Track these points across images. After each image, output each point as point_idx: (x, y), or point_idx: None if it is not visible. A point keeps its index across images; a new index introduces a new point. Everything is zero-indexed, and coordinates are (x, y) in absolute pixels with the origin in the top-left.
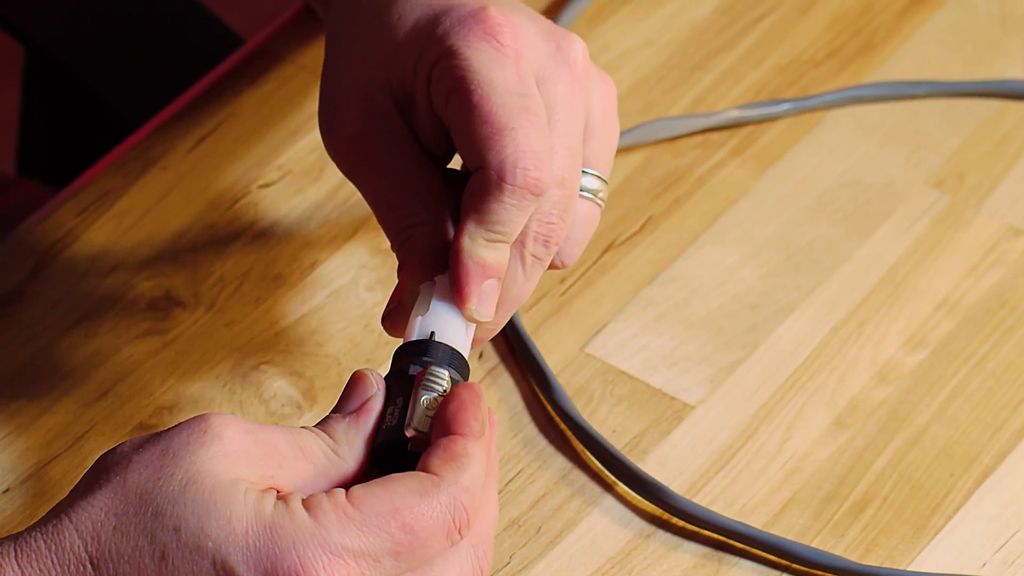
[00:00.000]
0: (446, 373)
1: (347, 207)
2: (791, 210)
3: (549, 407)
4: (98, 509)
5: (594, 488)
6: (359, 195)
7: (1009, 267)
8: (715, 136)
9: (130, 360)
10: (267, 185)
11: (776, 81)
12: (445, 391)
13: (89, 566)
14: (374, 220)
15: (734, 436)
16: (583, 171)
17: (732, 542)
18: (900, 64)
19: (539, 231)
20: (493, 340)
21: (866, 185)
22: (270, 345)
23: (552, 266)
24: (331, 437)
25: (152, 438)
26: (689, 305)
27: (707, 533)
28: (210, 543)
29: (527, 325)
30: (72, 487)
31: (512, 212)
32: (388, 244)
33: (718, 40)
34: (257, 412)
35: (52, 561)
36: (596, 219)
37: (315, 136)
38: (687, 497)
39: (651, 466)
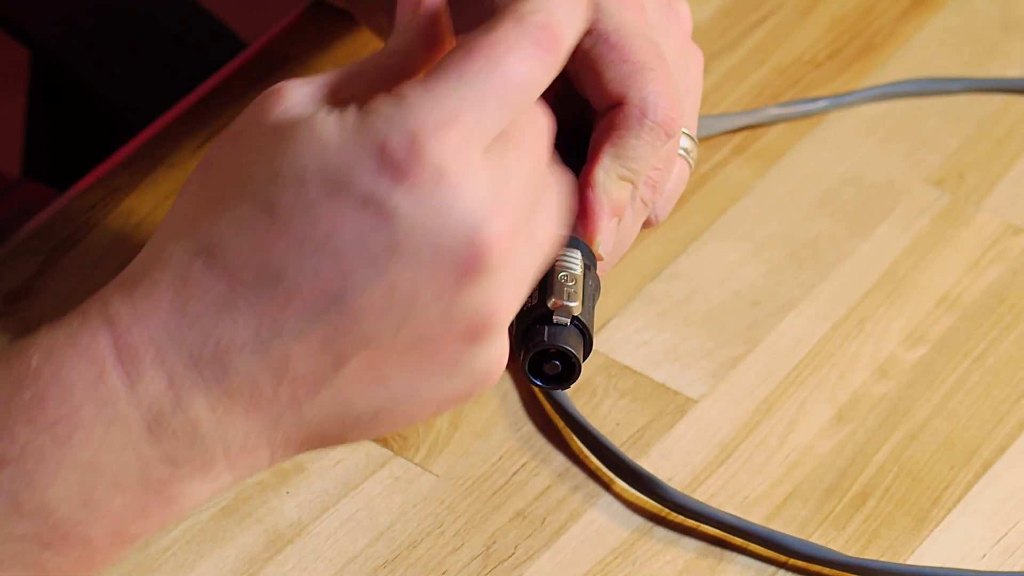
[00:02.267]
0: (578, 253)
1: None
2: (793, 208)
3: (547, 405)
4: (185, 208)
5: (594, 483)
6: None
7: (1009, 264)
8: (719, 135)
9: None
10: None
11: (778, 82)
12: (578, 272)
13: (199, 260)
14: None
15: (736, 430)
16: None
17: (730, 537)
18: (901, 65)
19: (650, 175)
20: None
21: (867, 183)
22: None
23: (646, 223)
24: (391, 50)
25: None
26: (692, 301)
27: (706, 528)
28: (310, 170)
29: None
30: None
31: (647, 149)
32: None
33: (720, 42)
34: None
35: (159, 273)
36: (686, 179)
37: None
38: (689, 491)
39: (654, 460)
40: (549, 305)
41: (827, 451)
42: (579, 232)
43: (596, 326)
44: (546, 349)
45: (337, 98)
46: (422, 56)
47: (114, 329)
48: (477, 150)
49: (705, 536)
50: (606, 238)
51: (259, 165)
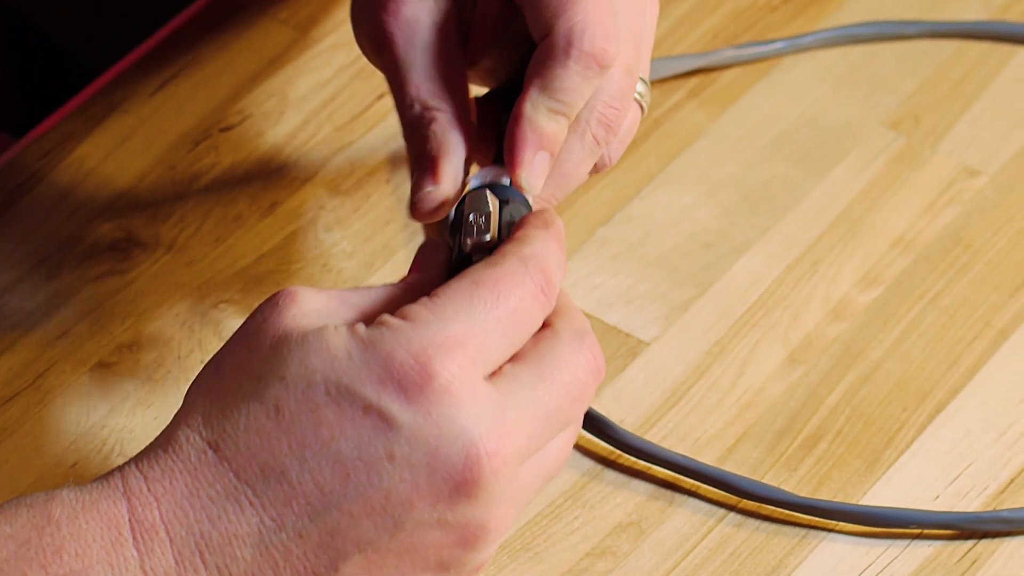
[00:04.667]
0: (484, 190)
1: (306, 150)
2: (748, 151)
3: None
4: (201, 401)
5: None
6: (319, 138)
7: (964, 206)
8: (673, 78)
9: (90, 300)
10: (227, 128)
11: (733, 26)
12: (489, 208)
13: (210, 451)
14: (334, 162)
15: (688, 372)
16: None
17: (681, 479)
18: (857, 8)
19: (604, 112)
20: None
21: (823, 126)
22: (229, 284)
23: (597, 166)
24: (412, 293)
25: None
26: (644, 245)
27: (657, 470)
28: (318, 376)
29: None
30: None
31: (576, 81)
32: (347, 185)
33: None
34: (216, 350)
35: (173, 460)
36: (638, 122)
37: (275, 81)
38: (641, 433)
39: (605, 402)
40: (465, 249)
41: (779, 393)
42: (507, 164)
43: None
44: None
45: (349, 315)
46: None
47: (131, 503)
48: (481, 373)
49: (656, 478)
50: (533, 172)
51: (269, 367)
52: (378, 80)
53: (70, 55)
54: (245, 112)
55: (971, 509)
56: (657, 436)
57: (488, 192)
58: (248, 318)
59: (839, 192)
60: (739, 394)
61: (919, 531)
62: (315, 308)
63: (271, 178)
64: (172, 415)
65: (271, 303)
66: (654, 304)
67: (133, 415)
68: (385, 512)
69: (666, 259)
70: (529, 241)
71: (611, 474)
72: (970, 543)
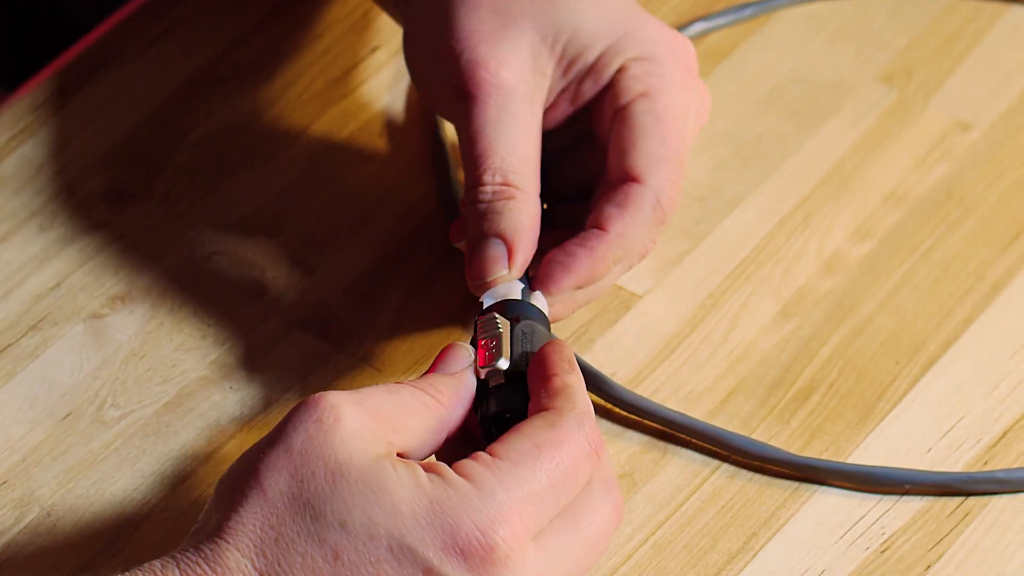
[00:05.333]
0: (493, 315)
1: (299, 103)
2: (740, 105)
3: None
4: (252, 524)
5: None
6: (312, 90)
7: (956, 160)
8: None
9: (84, 252)
10: (221, 81)
11: None
12: (500, 331)
13: None
14: (328, 114)
15: (680, 325)
16: None
17: (673, 432)
18: None
19: (646, 248)
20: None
21: (815, 81)
22: (222, 236)
23: None
24: (433, 391)
25: (264, 443)
26: None
27: (649, 423)
28: (382, 530)
29: None
30: (204, 512)
31: (644, 230)
32: (340, 138)
33: None
34: (208, 302)
35: None
36: None
37: (269, 33)
38: (633, 386)
39: (598, 354)
40: (480, 377)
41: (771, 346)
42: (540, 281)
43: None
44: (491, 416)
45: (390, 436)
46: (461, 412)
47: None
48: (532, 536)
49: (649, 429)
50: (561, 296)
51: (330, 508)
52: (371, 33)
53: (63, 9)
54: (238, 65)
55: (963, 462)
56: (649, 389)
57: (496, 317)
58: (287, 428)
59: (831, 146)
60: (731, 347)
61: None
62: (358, 429)
63: (264, 131)
64: (164, 367)
65: (314, 419)
66: (647, 258)
67: (126, 366)
68: None
69: None
70: (575, 394)
71: (604, 425)
72: (961, 497)
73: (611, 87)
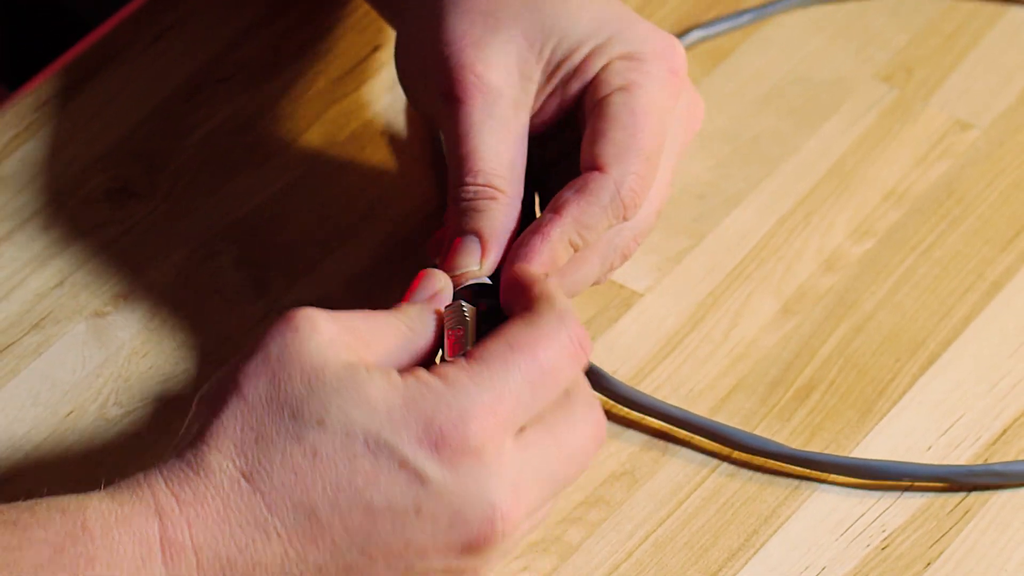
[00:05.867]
0: (459, 303)
1: (301, 102)
2: (740, 104)
3: None
4: (233, 427)
5: None
6: (315, 89)
7: (956, 159)
8: None
9: (86, 250)
10: (224, 79)
11: None
12: (467, 318)
13: (243, 481)
14: (330, 113)
15: (681, 323)
16: None
17: (674, 429)
18: None
19: (628, 246)
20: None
21: (815, 80)
22: (224, 235)
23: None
24: (405, 316)
25: (242, 356)
26: None
27: (650, 420)
28: (358, 427)
29: None
30: (185, 425)
31: (604, 223)
32: (341, 137)
33: None
34: (210, 300)
35: (205, 485)
36: None
37: (271, 31)
38: (634, 384)
39: (599, 352)
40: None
41: (772, 344)
42: (509, 261)
43: None
44: None
45: (362, 351)
46: (430, 336)
47: (163, 523)
48: (509, 434)
49: (650, 428)
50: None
51: (307, 407)
52: (371, 33)
53: (65, 8)
54: (240, 64)
55: (963, 460)
56: (650, 387)
57: (463, 305)
58: (265, 339)
59: (831, 145)
60: (732, 345)
61: (911, 483)
62: (334, 339)
63: (266, 130)
64: (166, 365)
65: (290, 327)
66: (647, 255)
67: (128, 364)
68: (400, 558)
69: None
70: (554, 295)
71: (607, 422)
72: (962, 494)
73: (593, 82)
